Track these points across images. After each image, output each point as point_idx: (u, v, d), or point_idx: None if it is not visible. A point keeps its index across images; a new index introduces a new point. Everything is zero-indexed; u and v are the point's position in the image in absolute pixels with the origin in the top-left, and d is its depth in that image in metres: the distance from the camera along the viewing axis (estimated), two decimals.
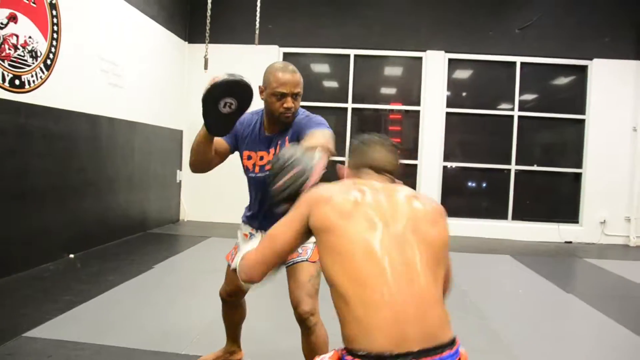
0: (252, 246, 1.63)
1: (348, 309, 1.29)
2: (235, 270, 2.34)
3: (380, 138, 1.65)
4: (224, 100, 2.07)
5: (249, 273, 1.53)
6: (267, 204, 2.27)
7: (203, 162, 2.34)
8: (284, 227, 1.51)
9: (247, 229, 2.51)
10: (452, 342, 1.29)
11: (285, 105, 2.24)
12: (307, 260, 2.27)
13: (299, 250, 2.25)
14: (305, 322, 2.22)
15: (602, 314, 4.16)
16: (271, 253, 1.51)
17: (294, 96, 2.25)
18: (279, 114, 2.26)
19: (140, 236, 6.79)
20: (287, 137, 2.31)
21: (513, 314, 4.21)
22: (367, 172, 1.59)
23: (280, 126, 2.33)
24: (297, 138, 2.23)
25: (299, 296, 2.23)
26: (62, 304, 3.73)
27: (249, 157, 2.39)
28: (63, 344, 3.00)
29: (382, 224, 1.36)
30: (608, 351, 3.52)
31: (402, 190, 1.51)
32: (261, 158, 2.36)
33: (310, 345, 2.24)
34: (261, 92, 2.34)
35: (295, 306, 2.23)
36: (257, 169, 2.37)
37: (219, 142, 2.38)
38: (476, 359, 3.01)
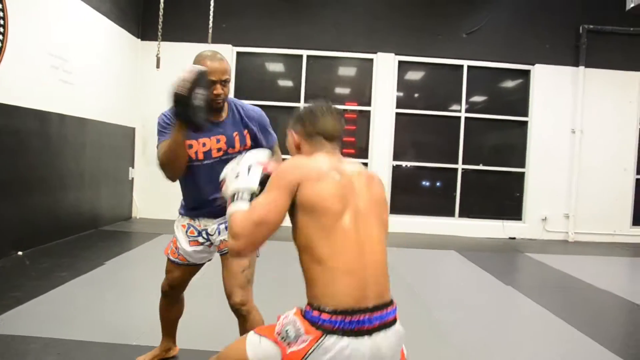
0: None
1: (321, 273, 1.54)
2: (174, 263, 2.52)
3: (328, 106, 1.80)
4: (195, 93, 2.14)
5: (244, 248, 1.59)
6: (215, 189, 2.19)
7: (181, 167, 2.38)
8: (275, 200, 1.58)
9: (186, 221, 2.56)
10: (392, 301, 1.61)
11: (215, 92, 2.30)
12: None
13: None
14: (238, 312, 2.34)
15: (537, 304, 4.43)
16: (268, 227, 1.58)
17: (223, 83, 2.32)
18: (210, 101, 2.28)
19: (92, 233, 6.74)
20: (247, 129, 2.45)
21: (453, 304, 4.44)
22: (319, 140, 1.75)
23: (216, 114, 2.38)
24: (251, 128, 2.44)
25: (230, 288, 2.34)
26: (10, 301, 3.71)
27: (190, 146, 2.37)
28: (12, 339, 3.01)
29: (354, 205, 1.61)
30: (539, 338, 3.78)
31: (361, 171, 1.75)
32: (203, 145, 2.39)
33: (246, 331, 2.29)
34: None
35: (228, 297, 2.35)
36: (200, 155, 2.40)
37: None
38: (417, 346, 3.23)
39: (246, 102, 2.57)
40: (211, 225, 2.49)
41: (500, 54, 8.45)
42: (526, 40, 8.41)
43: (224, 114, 2.43)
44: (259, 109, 2.55)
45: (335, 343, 1.48)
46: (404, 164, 8.64)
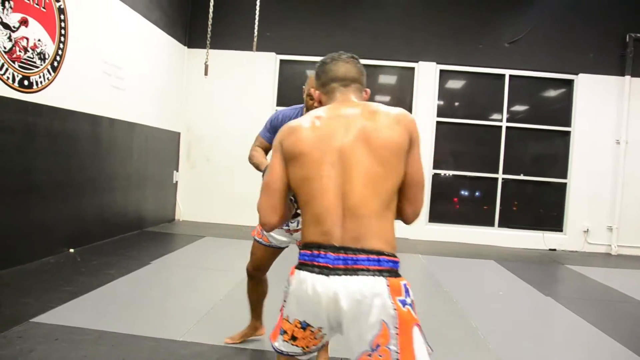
0: None
1: (304, 217, 1.57)
2: (259, 242, 2.85)
3: (340, 53, 1.77)
4: None
5: (264, 218, 1.65)
6: None
7: None
8: (272, 165, 1.65)
9: None
10: (375, 252, 1.45)
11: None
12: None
13: None
14: None
15: (577, 315, 4.40)
16: (272, 191, 1.62)
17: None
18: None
19: (137, 234, 6.99)
20: None
21: (492, 313, 4.44)
22: (333, 86, 1.71)
23: None
24: None
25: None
26: (64, 294, 3.93)
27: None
28: (68, 329, 3.20)
29: (335, 148, 1.53)
30: (578, 348, 3.76)
31: (360, 109, 1.61)
32: None
33: None
34: (303, 92, 2.70)
35: None
36: None
37: (265, 145, 2.81)
38: (455, 351, 3.28)
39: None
40: None
41: (543, 64, 8.36)
42: (570, 49, 8.31)
43: None
44: None
45: (297, 275, 1.51)
46: (443, 172, 8.64)
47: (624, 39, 8.17)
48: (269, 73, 8.48)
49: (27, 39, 4.54)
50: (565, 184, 8.48)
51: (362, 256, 1.43)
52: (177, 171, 8.48)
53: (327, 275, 1.43)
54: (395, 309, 1.39)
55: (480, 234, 8.39)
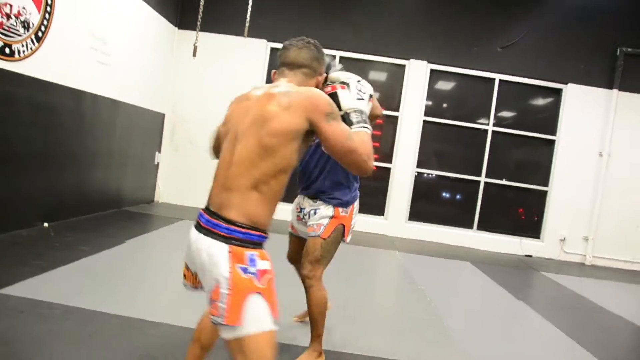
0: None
1: None
2: (290, 233, 3.13)
3: (298, 39, 1.91)
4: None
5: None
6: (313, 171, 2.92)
7: None
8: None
9: (298, 198, 3.07)
10: (228, 221, 1.61)
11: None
12: (318, 236, 2.83)
13: (314, 225, 2.85)
14: (303, 282, 2.85)
15: (547, 321, 4.43)
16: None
17: None
18: None
19: (115, 212, 6.90)
20: None
21: (465, 313, 4.47)
22: (281, 70, 1.89)
23: None
24: None
25: (303, 261, 2.85)
26: (35, 268, 3.86)
27: None
28: (35, 303, 3.14)
29: (236, 127, 1.72)
30: (547, 353, 3.79)
31: (268, 92, 1.73)
32: None
33: (307, 301, 2.83)
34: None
35: (301, 269, 2.89)
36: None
37: None
38: (426, 349, 3.28)
39: None
40: (307, 206, 2.95)
41: (534, 71, 8.40)
42: (561, 58, 8.35)
43: None
44: None
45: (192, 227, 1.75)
46: (426, 172, 8.65)
47: (615, 52, 8.24)
48: (259, 60, 8.41)
49: (11, 5, 4.43)
50: (546, 191, 8.55)
51: (219, 222, 1.60)
52: (159, 152, 8.38)
53: (198, 231, 1.67)
54: (229, 273, 1.55)
55: (459, 235, 8.44)
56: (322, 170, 2.88)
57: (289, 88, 1.73)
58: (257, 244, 1.61)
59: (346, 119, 1.82)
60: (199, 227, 1.67)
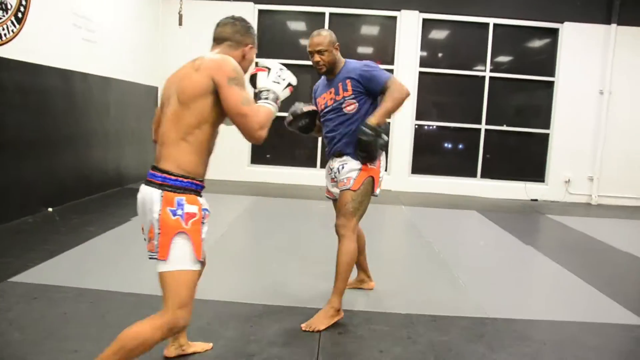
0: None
1: None
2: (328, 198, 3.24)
3: (228, 17, 2.12)
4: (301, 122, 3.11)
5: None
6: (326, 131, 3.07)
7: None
8: None
9: (328, 163, 3.16)
10: (162, 171, 1.85)
11: (313, 59, 2.96)
12: (349, 189, 2.90)
13: (344, 180, 2.93)
14: (337, 233, 2.91)
15: (556, 264, 4.46)
16: None
17: (318, 52, 2.94)
18: (315, 67, 2.98)
19: (117, 191, 6.89)
20: (346, 79, 2.95)
21: (473, 262, 4.49)
22: (213, 44, 2.10)
23: (329, 74, 3.03)
24: (357, 79, 2.92)
25: (337, 213, 2.95)
26: (43, 253, 3.87)
27: (317, 103, 3.13)
28: (47, 288, 3.16)
29: (168, 93, 1.93)
30: (557, 295, 3.82)
31: (194, 61, 1.93)
32: (323, 98, 3.06)
33: (337, 251, 2.89)
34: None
35: (336, 221, 2.94)
36: (321, 106, 3.08)
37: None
38: (437, 301, 3.30)
39: (358, 62, 3.02)
40: (335, 164, 3.02)
41: (528, 12, 8.21)
42: None
43: (337, 72, 3.00)
44: (361, 63, 2.98)
45: None
46: (426, 124, 8.58)
47: None
48: None
49: None
50: (547, 134, 8.49)
51: (156, 173, 1.86)
52: None
53: (144, 183, 1.89)
54: (159, 214, 1.80)
55: (463, 184, 8.42)
56: (344, 132, 2.96)
57: (208, 55, 1.94)
58: (187, 190, 1.85)
59: (257, 95, 2.03)
60: (145, 181, 1.90)
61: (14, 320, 2.68)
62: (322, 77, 3.13)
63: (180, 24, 4.99)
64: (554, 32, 8.35)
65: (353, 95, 2.92)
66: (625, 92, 8.17)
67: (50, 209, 5.38)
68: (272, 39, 8.44)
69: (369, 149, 2.81)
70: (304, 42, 8.72)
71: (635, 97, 8.22)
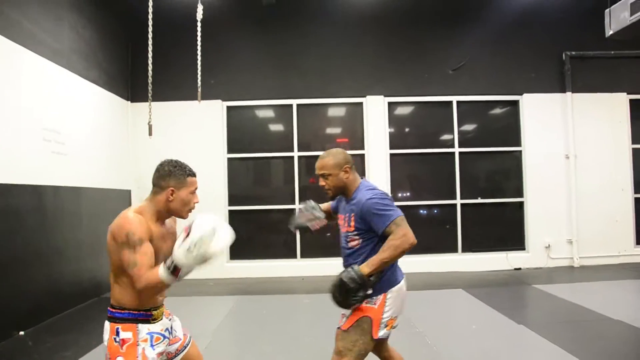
0: None
1: None
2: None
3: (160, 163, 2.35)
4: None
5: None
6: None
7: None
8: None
9: None
10: (110, 305, 2.23)
11: (320, 183, 2.80)
12: (339, 327, 2.68)
13: (340, 316, 2.70)
14: None
15: (552, 343, 4.35)
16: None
17: (322, 176, 2.77)
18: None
19: (94, 302, 6.63)
20: (353, 214, 2.70)
21: (469, 351, 4.35)
22: None
23: (343, 197, 2.85)
24: (359, 216, 2.65)
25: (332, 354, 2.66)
26: None
27: (339, 218, 2.88)
28: None
29: None
30: None
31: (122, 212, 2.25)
32: (339, 218, 2.85)
33: None
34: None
35: None
36: (339, 226, 2.85)
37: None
38: None
39: (369, 190, 2.73)
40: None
41: (488, 87, 8.55)
42: (512, 71, 8.54)
43: (351, 195, 2.76)
44: (369, 194, 2.67)
45: None
46: (402, 204, 8.61)
47: (561, 57, 8.46)
48: (216, 120, 8.34)
49: None
50: (522, 202, 8.60)
51: (109, 308, 2.23)
52: None
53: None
54: (107, 341, 2.18)
55: (445, 261, 8.38)
56: (348, 260, 2.72)
57: (121, 213, 2.23)
58: (124, 320, 2.19)
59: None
60: None
61: None
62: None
63: (150, 134, 4.96)
64: (514, 104, 8.67)
65: (356, 232, 2.66)
66: (590, 155, 8.45)
67: (22, 333, 5.11)
68: (242, 134, 8.53)
69: (345, 296, 2.51)
70: (274, 133, 8.85)
71: (599, 157, 8.49)
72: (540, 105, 8.50)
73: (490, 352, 4.36)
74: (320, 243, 8.40)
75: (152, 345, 2.20)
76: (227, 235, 2.10)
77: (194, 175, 2.36)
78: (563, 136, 8.46)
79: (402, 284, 2.77)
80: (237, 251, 8.44)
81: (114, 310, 2.20)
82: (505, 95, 8.63)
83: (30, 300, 5.37)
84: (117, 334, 2.16)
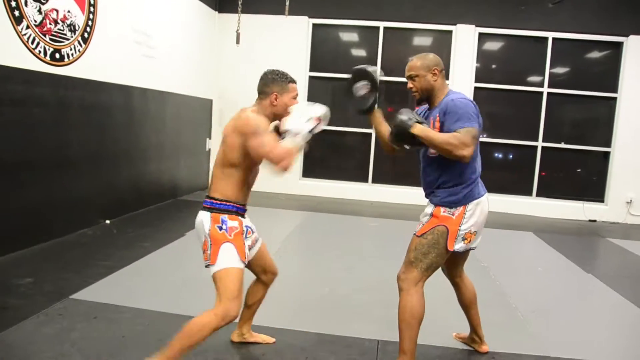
0: None
1: None
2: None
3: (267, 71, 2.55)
4: (355, 87, 2.89)
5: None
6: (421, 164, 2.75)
7: (386, 148, 2.92)
8: None
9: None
10: (210, 197, 2.42)
11: (408, 86, 2.68)
12: (414, 234, 2.62)
13: (418, 223, 2.66)
14: (398, 283, 2.60)
15: (620, 295, 4.24)
16: None
17: (410, 78, 2.67)
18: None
19: (171, 203, 7.03)
20: (437, 114, 2.57)
21: (532, 291, 4.32)
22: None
23: (429, 103, 2.70)
24: (443, 112, 2.52)
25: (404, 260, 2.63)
26: (102, 269, 3.97)
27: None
28: (106, 307, 3.23)
29: (222, 137, 2.47)
30: (620, 331, 3.63)
31: (237, 121, 2.41)
32: (427, 126, 2.56)
33: (398, 308, 2.56)
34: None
35: None
36: None
37: None
38: (493, 331, 3.17)
39: (459, 97, 2.57)
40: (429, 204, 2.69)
41: (590, 25, 7.92)
42: (619, 9, 7.82)
43: (438, 102, 2.62)
44: (459, 96, 2.57)
45: None
46: (482, 140, 8.37)
47: None
48: (301, 37, 8.28)
49: (57, 10, 4.47)
50: (608, 152, 8.15)
51: (207, 199, 2.44)
52: (210, 139, 8.45)
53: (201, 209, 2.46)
54: (209, 230, 2.35)
55: (518, 203, 8.18)
56: (427, 170, 2.66)
57: (243, 114, 2.41)
58: (228, 211, 2.39)
59: (282, 136, 2.45)
60: (201, 206, 2.44)
61: (76, 342, 2.74)
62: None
63: (237, 42, 5.03)
64: (617, 46, 8.02)
65: None
66: None
67: (107, 222, 5.53)
68: (325, 53, 8.45)
69: (400, 134, 2.53)
70: (357, 55, 8.70)
71: None
72: None
73: (553, 294, 4.31)
74: (392, 170, 8.42)
75: (246, 237, 2.44)
76: (323, 107, 2.45)
77: (294, 82, 2.58)
78: None
79: (484, 199, 2.67)
80: (310, 169, 8.60)
81: (219, 202, 2.39)
82: (609, 36, 7.97)
83: (115, 193, 5.77)
84: (223, 222, 2.35)
